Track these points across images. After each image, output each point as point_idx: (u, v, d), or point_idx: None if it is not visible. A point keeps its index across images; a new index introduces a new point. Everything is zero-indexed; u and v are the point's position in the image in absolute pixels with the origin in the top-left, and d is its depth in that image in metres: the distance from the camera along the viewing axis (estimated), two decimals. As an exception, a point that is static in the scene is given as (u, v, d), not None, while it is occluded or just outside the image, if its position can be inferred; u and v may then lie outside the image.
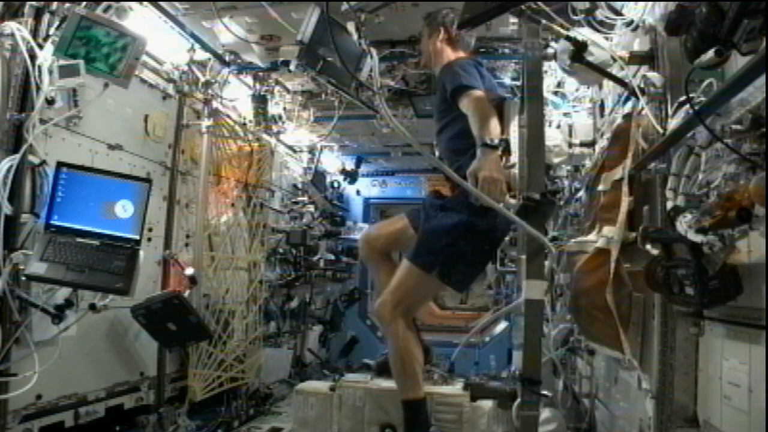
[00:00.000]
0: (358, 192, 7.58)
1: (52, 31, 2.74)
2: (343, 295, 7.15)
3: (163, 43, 3.59)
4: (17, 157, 2.57)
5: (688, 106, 1.56)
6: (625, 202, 2.21)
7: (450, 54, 2.95)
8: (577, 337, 3.40)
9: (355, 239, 6.29)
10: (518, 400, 2.15)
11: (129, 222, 2.90)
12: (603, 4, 2.39)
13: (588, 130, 3.34)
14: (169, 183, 3.87)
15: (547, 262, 3.07)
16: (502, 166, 2.45)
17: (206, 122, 4.08)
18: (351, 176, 6.73)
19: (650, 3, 2.12)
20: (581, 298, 2.52)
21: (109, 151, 3.29)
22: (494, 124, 2.49)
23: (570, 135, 3.32)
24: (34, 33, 2.68)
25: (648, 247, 1.84)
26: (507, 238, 3.88)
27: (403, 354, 2.73)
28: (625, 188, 2.23)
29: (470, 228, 2.64)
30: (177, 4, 3.33)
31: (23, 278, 2.60)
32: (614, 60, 2.30)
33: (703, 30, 1.41)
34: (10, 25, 2.59)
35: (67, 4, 2.76)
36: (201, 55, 3.88)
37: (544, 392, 2.17)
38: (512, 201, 2.39)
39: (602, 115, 3.18)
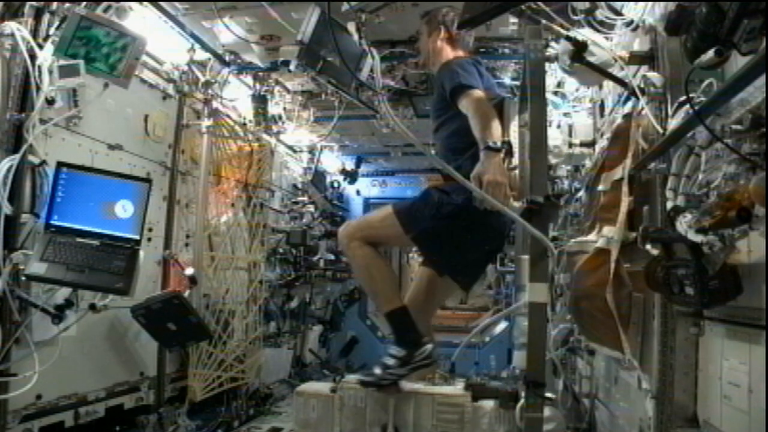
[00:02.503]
0: (358, 192, 7.58)
1: (52, 31, 2.75)
2: (343, 295, 7.15)
3: (163, 43, 3.59)
4: (17, 157, 2.57)
5: (688, 106, 1.56)
6: (625, 202, 2.21)
7: (449, 53, 2.95)
8: (577, 337, 3.40)
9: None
10: (522, 401, 2.15)
11: (129, 222, 2.91)
12: (603, 4, 2.39)
13: (588, 130, 3.33)
14: (169, 183, 3.87)
15: (546, 263, 3.07)
16: (505, 169, 2.44)
17: (206, 122, 4.08)
18: (351, 176, 6.73)
19: (650, 3, 2.12)
20: (581, 298, 2.52)
21: (109, 151, 3.29)
22: (496, 126, 2.49)
23: (570, 135, 3.32)
24: (34, 33, 2.69)
25: (648, 247, 1.84)
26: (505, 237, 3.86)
27: (369, 269, 2.71)
28: (625, 188, 2.23)
29: (461, 212, 2.62)
30: (177, 4, 3.33)
31: (23, 278, 2.60)
32: (614, 60, 2.30)
33: (703, 30, 1.41)
34: (10, 25, 2.59)
35: (67, 4, 2.76)
36: (201, 55, 3.89)
37: (549, 395, 2.17)
38: (516, 204, 2.38)
39: (602, 115, 3.18)
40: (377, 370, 2.65)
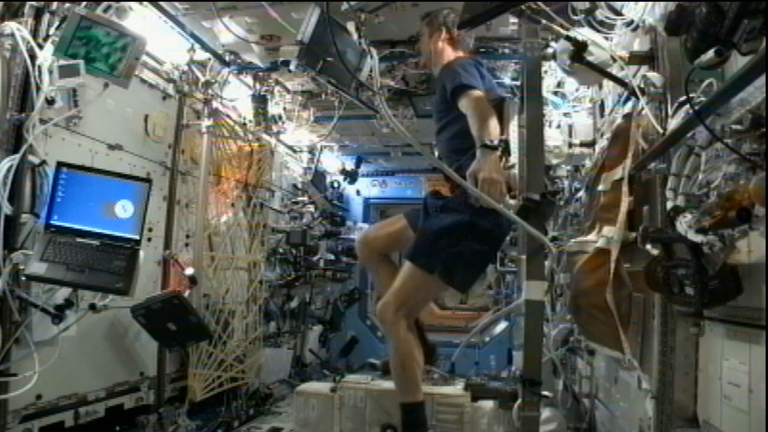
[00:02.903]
0: (358, 192, 7.58)
1: (52, 31, 2.74)
2: (343, 295, 7.15)
3: (163, 43, 3.59)
4: (17, 157, 2.56)
5: (688, 106, 1.56)
6: (625, 202, 2.22)
7: (450, 54, 2.95)
8: (577, 337, 3.40)
9: (355, 239, 6.30)
10: (519, 400, 2.15)
11: (129, 222, 2.90)
12: (603, 4, 2.39)
13: (588, 130, 3.34)
14: (169, 183, 3.87)
15: (547, 262, 3.07)
16: (501, 167, 2.45)
17: (206, 122, 4.07)
18: (351, 176, 6.72)
19: (650, 3, 2.13)
20: (581, 298, 2.52)
21: (109, 151, 3.29)
22: (494, 125, 2.49)
23: (570, 135, 3.32)
24: (34, 33, 2.68)
25: (648, 247, 1.84)
26: (507, 238, 3.87)
27: (405, 357, 2.72)
28: (625, 188, 2.23)
29: (471, 228, 2.64)
30: (177, 4, 3.33)
31: (23, 278, 2.60)
32: (614, 60, 2.30)
33: (703, 30, 1.41)
34: (10, 25, 2.58)
35: (67, 4, 2.75)
36: (201, 55, 3.88)
37: (545, 393, 2.17)
38: (512, 201, 2.38)
39: (602, 115, 3.18)
40: None
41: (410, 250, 2.78)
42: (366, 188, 7.62)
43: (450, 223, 2.67)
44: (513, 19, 3.38)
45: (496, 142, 2.43)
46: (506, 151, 2.54)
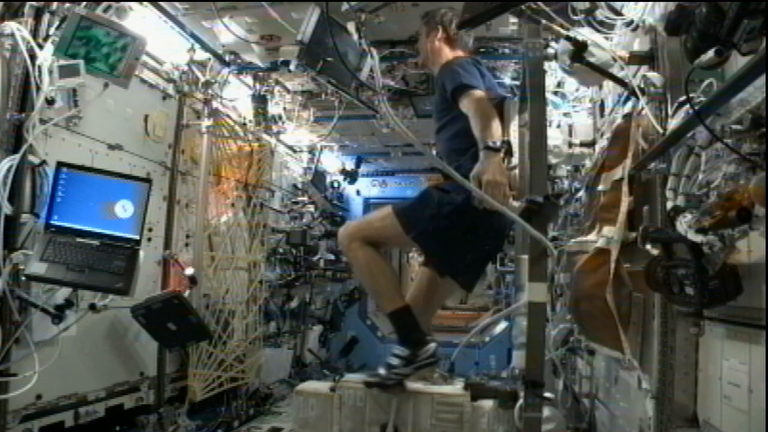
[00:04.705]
0: (358, 192, 7.58)
1: (52, 31, 2.75)
2: (343, 295, 7.15)
3: (163, 43, 3.59)
4: (17, 157, 2.57)
5: (688, 106, 1.56)
6: (625, 202, 2.22)
7: (448, 53, 2.95)
8: (577, 337, 3.40)
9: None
10: (520, 401, 2.14)
11: (129, 222, 2.90)
12: (603, 4, 2.39)
13: (588, 130, 3.34)
14: (169, 183, 3.87)
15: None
16: (504, 168, 2.44)
17: (206, 122, 4.08)
18: (351, 176, 6.73)
19: (650, 3, 2.13)
20: (581, 298, 2.52)
21: (109, 151, 3.29)
22: (496, 126, 2.49)
23: (570, 135, 3.32)
24: (34, 33, 2.68)
25: (648, 247, 1.84)
26: (505, 238, 3.86)
27: (370, 269, 2.69)
28: (625, 188, 2.23)
29: (461, 211, 2.61)
30: (177, 4, 3.33)
31: (23, 278, 2.60)
32: (614, 60, 2.30)
33: (703, 30, 1.41)
34: (10, 25, 2.59)
35: (67, 4, 2.76)
36: (201, 55, 3.88)
37: (548, 394, 2.17)
38: (515, 203, 2.38)
39: (602, 115, 3.18)
40: (382, 371, 2.64)
41: (399, 204, 2.79)
42: (366, 188, 7.62)
43: (443, 198, 2.65)
44: (513, 19, 3.38)
45: (498, 144, 2.43)
46: (508, 153, 2.54)
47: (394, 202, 2.85)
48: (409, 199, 2.82)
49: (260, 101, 4.58)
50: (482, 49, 3.74)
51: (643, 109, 2.12)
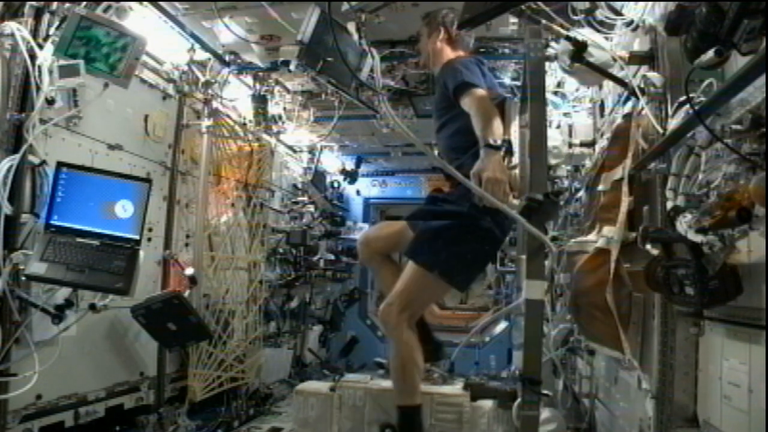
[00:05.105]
0: (358, 192, 7.58)
1: (52, 31, 2.74)
2: (343, 295, 7.15)
3: (163, 43, 3.59)
4: (17, 157, 2.57)
5: (688, 106, 1.56)
6: (625, 202, 2.22)
7: (449, 53, 2.95)
8: (577, 337, 3.40)
9: (355, 239, 6.30)
10: (518, 399, 2.14)
11: (129, 222, 2.90)
12: (603, 4, 2.39)
13: (588, 130, 3.33)
14: (169, 183, 3.87)
15: (547, 262, 3.07)
16: (505, 167, 2.45)
17: (206, 122, 4.08)
18: (351, 176, 6.73)
19: (650, 3, 2.13)
20: (581, 298, 2.52)
21: (109, 151, 3.29)
22: (497, 125, 2.49)
23: (570, 135, 3.32)
24: (34, 33, 2.68)
25: (648, 247, 1.84)
26: (507, 238, 3.87)
27: (406, 361, 2.70)
28: (625, 188, 2.23)
29: (471, 226, 2.64)
30: (177, 4, 3.33)
31: (23, 278, 2.60)
32: (614, 60, 2.30)
33: (703, 30, 1.41)
34: (10, 25, 2.58)
35: (67, 4, 2.76)
36: (201, 55, 3.88)
37: (545, 391, 2.17)
38: (515, 201, 2.38)
39: (602, 115, 3.18)
40: None
41: (410, 248, 2.77)
42: (366, 188, 7.62)
43: (450, 220, 2.67)
44: (513, 19, 3.38)
45: (499, 142, 2.43)
46: (509, 152, 2.54)
47: (407, 253, 2.80)
48: (421, 240, 2.76)
49: (260, 101, 4.58)
50: (482, 49, 3.74)
51: (643, 109, 2.12)
